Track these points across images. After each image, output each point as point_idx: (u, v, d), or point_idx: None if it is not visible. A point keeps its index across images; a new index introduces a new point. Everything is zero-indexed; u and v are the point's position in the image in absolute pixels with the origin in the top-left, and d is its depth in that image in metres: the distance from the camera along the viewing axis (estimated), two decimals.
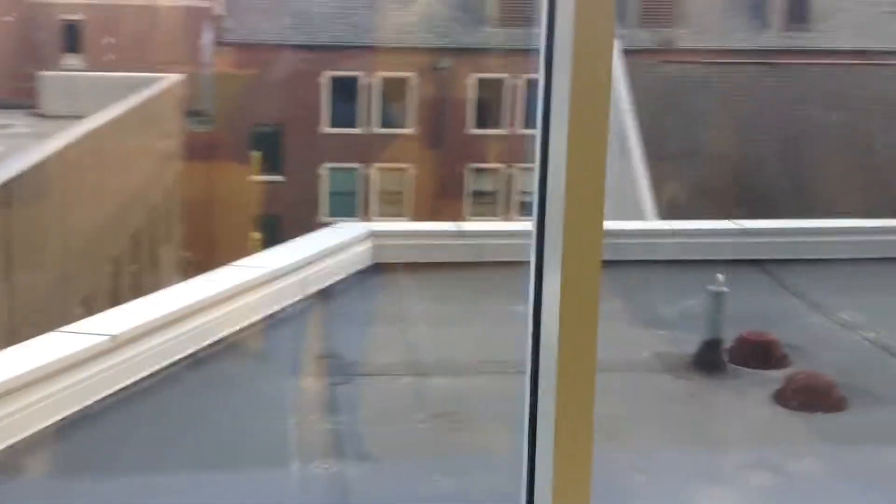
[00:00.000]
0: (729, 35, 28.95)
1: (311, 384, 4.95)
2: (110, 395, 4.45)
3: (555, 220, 1.85)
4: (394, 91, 31.59)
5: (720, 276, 5.24)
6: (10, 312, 12.72)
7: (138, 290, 20.90)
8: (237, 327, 5.43)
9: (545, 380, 1.97)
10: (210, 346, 5.19)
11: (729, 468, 4.11)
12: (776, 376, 5.11)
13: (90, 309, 16.67)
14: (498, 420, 4.69)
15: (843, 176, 17.35)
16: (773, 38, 31.46)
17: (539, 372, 1.99)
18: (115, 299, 18.68)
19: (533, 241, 1.92)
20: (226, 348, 5.25)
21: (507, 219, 31.30)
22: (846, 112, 18.31)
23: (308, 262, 6.23)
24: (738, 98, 17.70)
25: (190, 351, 5.04)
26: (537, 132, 1.81)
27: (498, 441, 4.44)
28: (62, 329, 4.60)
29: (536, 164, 1.86)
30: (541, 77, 1.75)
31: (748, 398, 4.86)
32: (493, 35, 32.16)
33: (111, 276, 18.75)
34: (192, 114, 29.95)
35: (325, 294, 6.27)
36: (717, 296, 5.21)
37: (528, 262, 6.59)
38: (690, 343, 5.37)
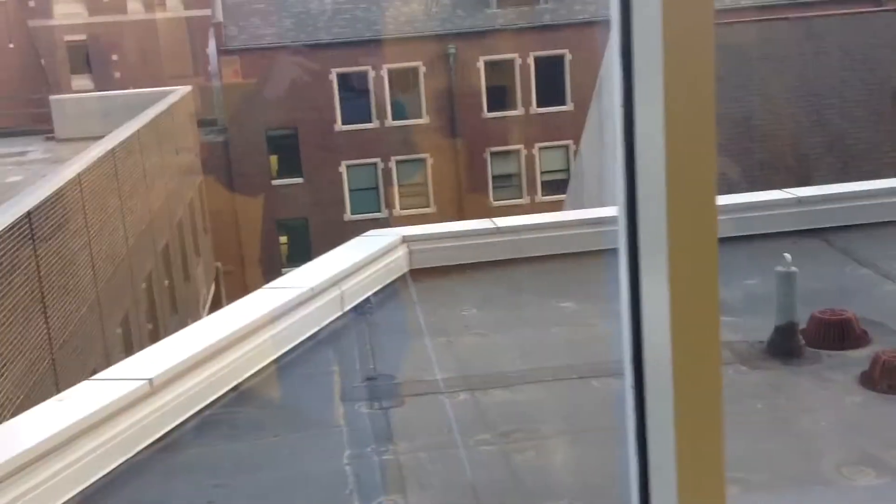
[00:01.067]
0: None
1: (361, 409, 4.64)
2: (151, 445, 4.18)
3: (653, 200, 1.53)
4: (403, 82, 31.26)
5: (787, 256, 4.87)
6: (49, 344, 12.60)
7: (174, 304, 20.79)
8: (277, 353, 5.15)
9: (655, 384, 1.62)
10: (252, 376, 4.91)
11: (829, 467, 3.76)
12: (858, 356, 4.76)
13: (128, 330, 16.60)
14: (565, 434, 4.37)
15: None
16: None
17: (645, 375, 1.65)
18: (153, 316, 18.62)
19: (622, 227, 1.60)
20: (267, 378, 4.96)
21: (532, 200, 30.91)
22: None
23: (343, 277, 5.94)
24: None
25: (233, 384, 4.76)
26: (617, 103, 1.53)
27: (570, 458, 4.12)
28: (95, 377, 4.33)
29: (619, 141, 1.57)
30: (616, 37, 1.48)
31: (833, 384, 4.50)
32: (497, 16, 31.71)
33: (146, 293, 18.65)
34: (205, 124, 29.79)
35: (364, 308, 5.98)
36: (787, 276, 4.85)
37: (567, 255, 6.13)
38: (760, 329, 5.02)
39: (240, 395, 4.69)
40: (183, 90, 25.88)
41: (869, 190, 7.10)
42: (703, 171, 1.52)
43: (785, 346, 4.80)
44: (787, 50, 18.00)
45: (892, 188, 7.19)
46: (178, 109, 24.64)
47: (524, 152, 31.70)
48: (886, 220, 6.71)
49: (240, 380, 4.79)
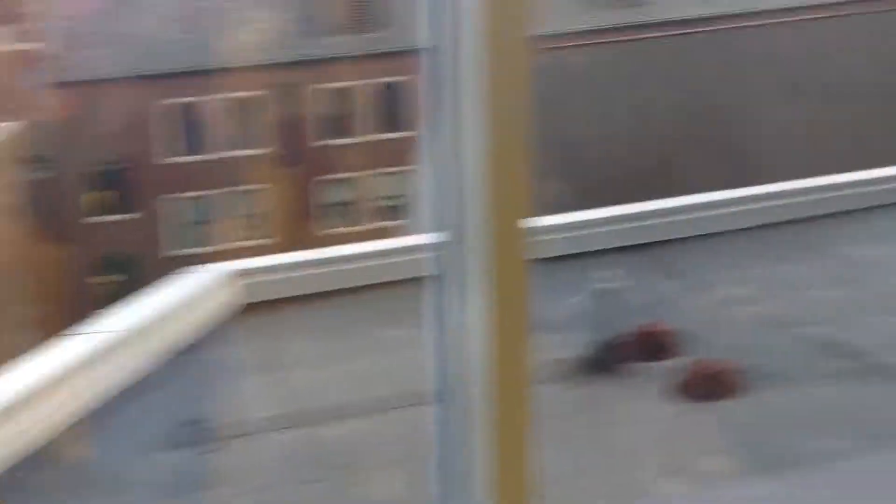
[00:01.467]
0: (575, 17, 29.23)
1: (180, 457, 4.43)
2: None
3: (470, 226, 1.54)
4: (242, 112, 30.75)
5: (607, 273, 5.02)
6: None
7: None
8: (86, 407, 4.82)
9: (478, 404, 1.63)
10: (55, 435, 4.59)
11: (646, 478, 3.85)
12: (673, 367, 4.92)
13: None
14: (397, 465, 4.32)
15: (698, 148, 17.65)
16: (615, 15, 32.11)
17: (462, 397, 1.65)
18: None
19: (439, 252, 1.59)
20: (72, 435, 4.65)
21: (370, 227, 30.91)
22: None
23: (165, 316, 5.69)
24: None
25: (30, 447, 4.42)
26: (426, 133, 1.52)
27: (405, 488, 4.07)
28: None
29: (430, 168, 1.57)
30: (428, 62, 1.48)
31: (649, 396, 4.63)
32: (339, 43, 31.72)
33: None
34: (33, 161, 28.36)
35: (190, 350, 5.74)
36: (605, 292, 4.99)
37: (399, 281, 6.07)
38: (581, 345, 5.13)
39: (37, 458, 4.36)
40: (8, 127, 24.57)
41: (691, 204, 7.39)
42: (516, 197, 1.52)
43: (603, 361, 4.91)
44: (621, 71, 18.72)
45: (708, 202, 7.52)
46: (1, 147, 23.36)
47: (363, 179, 31.72)
48: (703, 232, 7.00)
49: (39, 440, 4.45)
